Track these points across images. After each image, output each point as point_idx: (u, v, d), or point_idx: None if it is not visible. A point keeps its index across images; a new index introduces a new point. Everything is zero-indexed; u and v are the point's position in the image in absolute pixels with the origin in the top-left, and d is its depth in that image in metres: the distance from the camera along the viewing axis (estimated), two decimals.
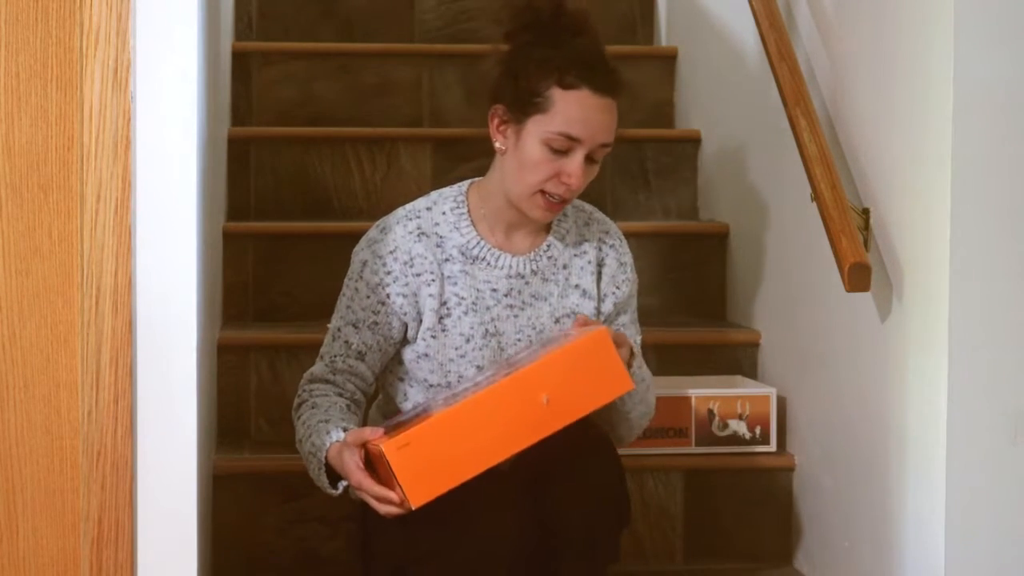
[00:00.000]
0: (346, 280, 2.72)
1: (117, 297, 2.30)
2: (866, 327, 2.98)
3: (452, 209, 2.72)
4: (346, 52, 4.21)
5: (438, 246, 2.69)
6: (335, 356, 2.69)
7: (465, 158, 3.88)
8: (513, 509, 2.50)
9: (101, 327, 2.30)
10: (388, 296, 2.67)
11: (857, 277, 2.85)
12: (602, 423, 2.69)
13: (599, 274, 2.77)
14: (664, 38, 4.47)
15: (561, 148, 2.60)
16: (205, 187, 2.61)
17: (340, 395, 2.67)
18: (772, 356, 3.51)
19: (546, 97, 2.59)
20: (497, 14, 2.71)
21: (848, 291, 2.87)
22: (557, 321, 2.72)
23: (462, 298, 2.68)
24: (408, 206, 2.74)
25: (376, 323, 2.68)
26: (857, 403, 3.04)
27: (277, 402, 3.37)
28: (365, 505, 2.61)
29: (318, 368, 2.71)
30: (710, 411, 3.29)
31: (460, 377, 2.68)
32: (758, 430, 3.31)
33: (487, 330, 2.69)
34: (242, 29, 4.36)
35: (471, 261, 2.70)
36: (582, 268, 2.75)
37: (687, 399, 3.27)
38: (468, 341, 2.68)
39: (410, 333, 2.70)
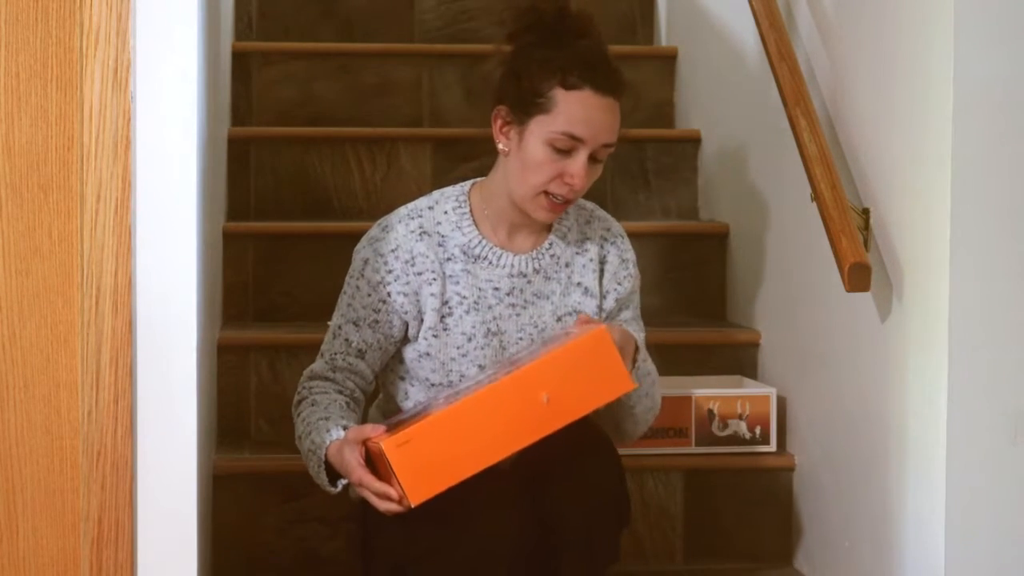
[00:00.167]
0: (347, 278, 2.72)
1: (117, 297, 2.30)
2: (866, 327, 2.98)
3: (454, 208, 2.72)
4: (346, 52, 4.21)
5: (440, 245, 2.69)
6: (335, 354, 2.70)
7: (465, 158, 3.88)
8: (513, 508, 2.50)
9: (101, 327, 2.30)
10: (389, 295, 2.67)
11: (857, 277, 2.85)
12: (608, 419, 2.69)
13: (601, 271, 2.77)
14: (664, 38, 4.47)
15: (564, 148, 2.60)
16: (205, 187, 2.61)
17: (340, 392, 2.67)
18: (772, 356, 3.51)
19: (549, 97, 2.59)
20: (499, 15, 2.71)
21: (848, 291, 2.87)
22: (559, 319, 2.72)
23: (464, 297, 2.68)
24: (410, 205, 2.74)
25: (377, 321, 2.68)
26: (857, 403, 3.04)
27: (277, 402, 3.37)
28: (365, 504, 2.61)
29: (318, 365, 2.71)
30: (710, 411, 3.29)
31: (462, 376, 2.68)
32: (758, 430, 3.31)
33: (489, 329, 2.69)
34: (242, 29, 4.36)
35: (473, 260, 2.70)
36: (584, 266, 2.76)
37: (687, 399, 3.27)
38: (470, 340, 2.68)
39: (411, 332, 2.70)
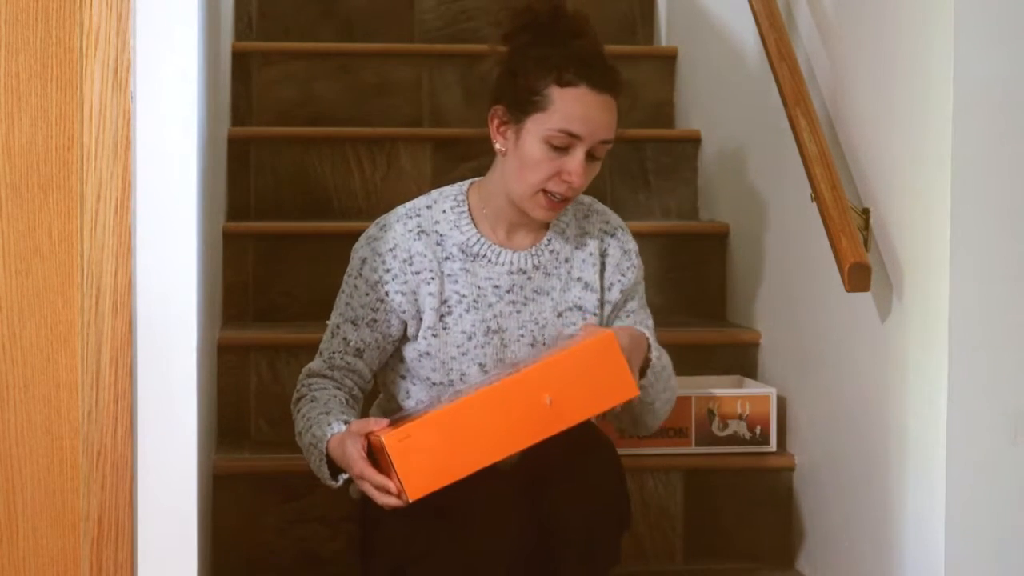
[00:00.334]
0: (345, 277, 2.73)
1: (117, 297, 2.30)
2: (866, 327, 2.98)
3: (452, 208, 2.72)
4: (346, 52, 4.21)
5: (438, 244, 2.69)
6: (333, 353, 2.70)
7: (465, 158, 3.88)
8: (513, 508, 2.50)
9: (101, 327, 2.30)
10: (387, 294, 2.67)
11: (857, 277, 2.85)
12: (627, 412, 2.68)
13: (602, 265, 2.77)
14: (664, 38, 4.47)
15: (561, 146, 2.60)
16: (205, 187, 2.61)
17: (339, 389, 2.68)
18: (772, 356, 3.51)
19: (545, 95, 2.59)
20: (496, 16, 2.71)
21: (848, 291, 2.87)
22: (560, 315, 2.72)
23: (463, 296, 2.68)
24: (408, 204, 2.74)
25: (375, 320, 2.68)
26: (857, 403, 3.04)
27: (277, 402, 3.36)
28: (365, 505, 2.61)
29: (316, 364, 2.71)
30: (710, 411, 3.29)
31: (462, 375, 2.68)
32: (758, 430, 3.31)
33: (489, 327, 2.69)
34: (242, 29, 4.36)
35: (472, 259, 2.70)
36: (583, 261, 2.76)
37: (687, 399, 3.27)
38: (470, 339, 2.68)
39: (410, 331, 2.70)
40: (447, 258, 2.69)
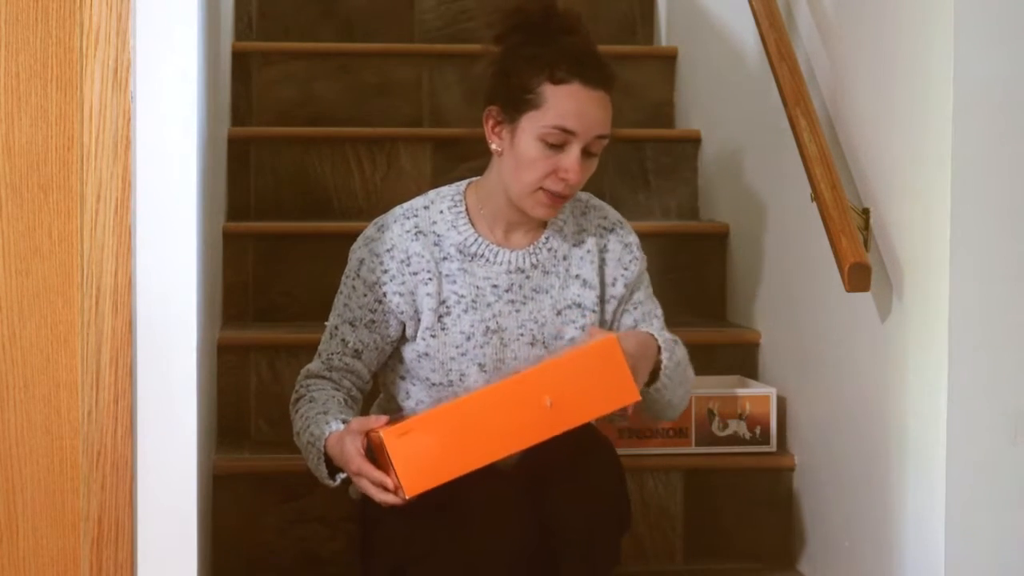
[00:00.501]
0: (343, 278, 2.73)
1: (117, 297, 2.30)
2: (866, 327, 2.98)
3: (450, 208, 2.72)
4: (346, 52, 4.21)
5: (436, 245, 2.69)
6: (332, 354, 2.70)
7: (465, 158, 3.88)
8: (514, 508, 2.50)
9: (101, 327, 2.30)
10: (385, 295, 2.67)
11: (857, 277, 2.85)
12: (647, 405, 2.68)
13: (603, 261, 2.77)
14: (664, 38, 4.47)
15: (556, 143, 2.60)
16: (205, 187, 2.61)
17: (337, 390, 2.68)
18: (772, 356, 3.51)
19: (538, 93, 2.60)
20: (489, 17, 2.72)
21: (848, 291, 2.87)
22: (559, 313, 2.72)
23: (461, 296, 2.68)
24: (405, 205, 2.74)
25: (373, 321, 2.68)
26: (857, 403, 3.04)
27: (277, 402, 3.36)
28: (365, 505, 2.61)
29: (315, 365, 2.71)
30: (710, 411, 3.29)
31: (462, 375, 2.68)
32: (758, 430, 3.31)
33: (488, 327, 2.69)
34: (242, 29, 4.36)
35: (469, 259, 2.70)
36: (582, 258, 2.76)
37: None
38: (469, 339, 2.68)
39: (409, 332, 2.70)
40: (445, 258, 2.69)
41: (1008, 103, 2.65)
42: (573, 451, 2.53)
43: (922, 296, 2.76)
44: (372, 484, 2.45)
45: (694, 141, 4.07)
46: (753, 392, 3.32)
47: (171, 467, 2.35)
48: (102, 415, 2.31)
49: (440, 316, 2.68)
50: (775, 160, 3.47)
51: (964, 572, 2.70)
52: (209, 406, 3.03)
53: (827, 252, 2.95)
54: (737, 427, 3.30)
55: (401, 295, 2.67)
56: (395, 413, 2.74)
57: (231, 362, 3.40)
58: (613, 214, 2.82)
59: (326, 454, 2.54)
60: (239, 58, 4.10)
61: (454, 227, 2.71)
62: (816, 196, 2.98)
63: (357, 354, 2.69)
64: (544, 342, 2.71)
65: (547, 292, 2.73)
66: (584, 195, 2.82)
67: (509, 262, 2.71)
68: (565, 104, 2.59)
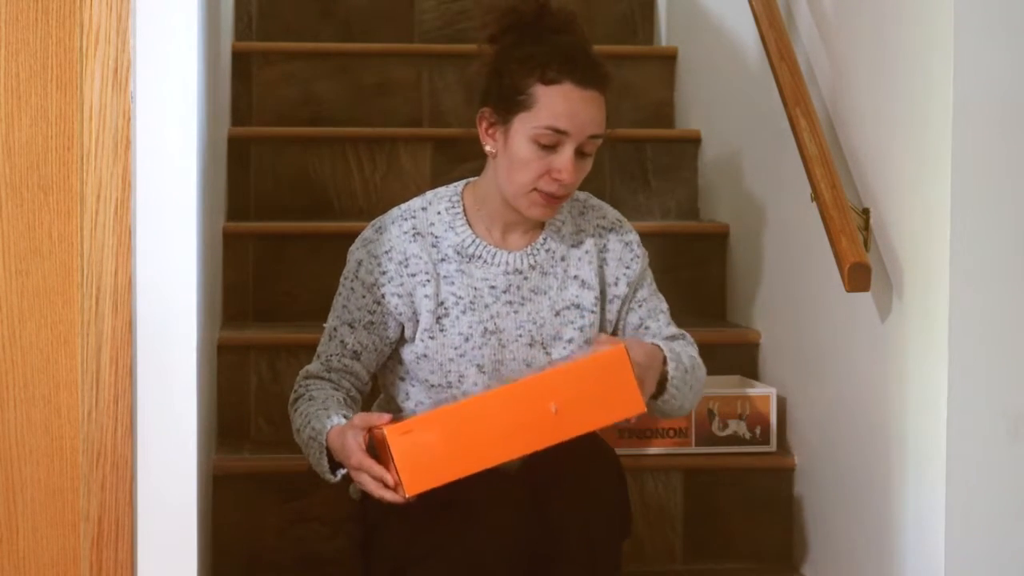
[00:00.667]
0: (342, 279, 2.72)
1: (117, 297, 2.30)
2: (866, 327, 2.98)
3: (447, 209, 2.72)
4: (346, 52, 4.21)
5: (433, 246, 2.69)
6: (331, 355, 2.70)
7: (465, 158, 3.88)
8: (515, 510, 2.50)
9: (101, 327, 2.30)
10: (383, 296, 2.67)
11: (857, 277, 2.85)
12: (656, 413, 2.68)
13: (603, 262, 2.77)
14: (664, 38, 4.47)
15: (549, 143, 2.59)
16: (205, 187, 2.61)
17: (336, 390, 2.68)
18: (772, 356, 3.51)
19: (529, 94, 2.59)
20: (483, 17, 2.71)
21: (848, 291, 2.87)
22: (557, 314, 2.72)
23: (459, 297, 2.68)
24: (403, 206, 2.74)
25: (372, 323, 2.68)
26: (857, 403, 3.04)
27: (277, 402, 3.36)
28: (366, 505, 2.61)
29: (314, 366, 2.71)
30: (710, 411, 3.29)
31: (460, 377, 2.68)
32: (758, 430, 3.31)
33: (486, 328, 2.68)
34: (242, 29, 4.36)
35: (467, 260, 2.70)
36: (580, 259, 2.75)
37: None
38: (467, 340, 2.68)
39: (407, 333, 2.70)
40: (442, 260, 2.69)
41: (1008, 103, 2.65)
42: (575, 458, 2.53)
43: (922, 296, 2.77)
44: (372, 480, 2.44)
45: (694, 141, 4.07)
46: (753, 392, 3.32)
47: (171, 467, 2.35)
48: (102, 415, 2.31)
49: (438, 317, 2.68)
50: (775, 160, 3.47)
51: (964, 571, 2.70)
52: (209, 406, 3.03)
53: (827, 252, 2.95)
54: (737, 427, 3.30)
55: (399, 296, 2.67)
56: (395, 414, 2.73)
57: (231, 362, 3.40)
58: (612, 213, 2.82)
59: (327, 448, 2.54)
60: (239, 58, 4.10)
61: (451, 228, 2.70)
62: (816, 196, 2.98)
63: (356, 355, 2.69)
64: (543, 343, 2.71)
65: (545, 293, 2.73)
66: (582, 195, 2.82)
67: (507, 263, 2.71)
68: (557, 104, 2.58)
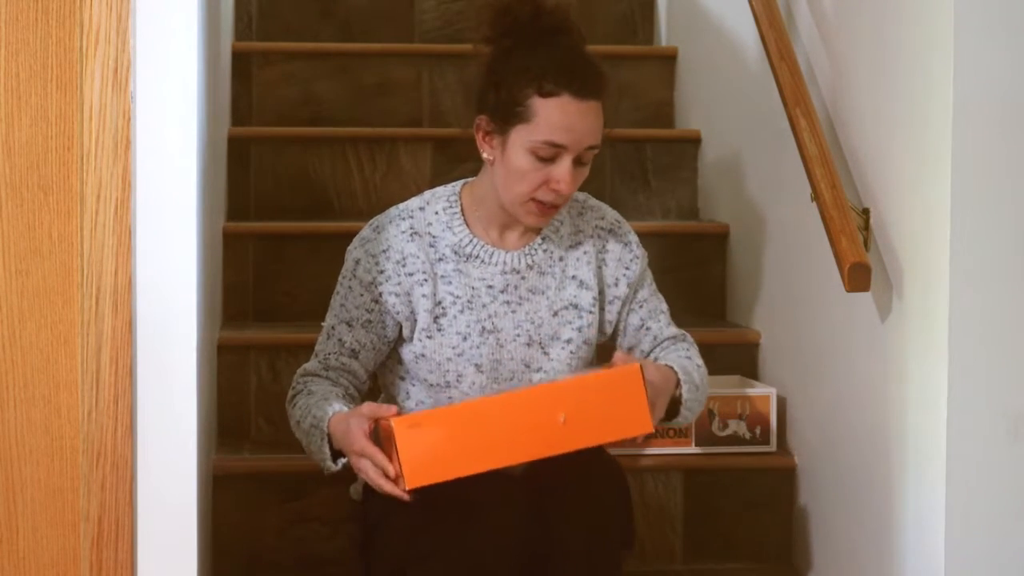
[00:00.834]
0: (340, 278, 2.72)
1: (117, 297, 2.30)
2: (866, 327, 2.98)
3: (445, 209, 2.72)
4: (346, 52, 4.21)
5: (431, 246, 2.69)
6: (329, 354, 2.70)
7: (464, 158, 3.88)
8: (516, 510, 2.49)
9: (101, 327, 2.30)
10: (381, 295, 2.67)
11: (857, 277, 2.85)
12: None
13: (602, 262, 2.76)
14: (664, 38, 4.47)
15: (547, 156, 2.58)
16: (205, 187, 2.61)
17: (334, 386, 2.67)
18: (772, 356, 3.51)
19: (527, 107, 2.57)
20: (478, 15, 2.69)
21: (848, 291, 2.87)
22: (555, 314, 2.72)
23: (457, 297, 2.68)
24: (401, 205, 2.74)
25: (370, 322, 2.68)
26: (857, 403, 3.04)
27: (277, 402, 3.36)
28: (366, 505, 2.61)
29: (311, 364, 2.71)
30: (710, 411, 3.29)
31: (459, 376, 2.68)
32: (758, 430, 3.31)
33: (484, 327, 2.68)
34: (242, 29, 4.36)
35: (465, 259, 2.70)
36: (578, 259, 2.75)
37: None
38: (465, 339, 2.68)
39: (405, 333, 2.70)
40: (440, 259, 2.69)
41: (1008, 103, 2.65)
42: (579, 466, 2.52)
43: (922, 296, 2.77)
44: (373, 467, 2.44)
45: (694, 141, 4.07)
46: (753, 392, 3.32)
47: (171, 467, 2.35)
48: (102, 415, 2.31)
49: (436, 317, 2.68)
50: (775, 160, 3.47)
51: (964, 571, 2.70)
52: (209, 406, 3.03)
53: (827, 252, 2.95)
54: (737, 427, 3.30)
55: (397, 296, 2.67)
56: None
57: (231, 362, 3.40)
58: (611, 214, 2.82)
59: (329, 436, 2.54)
60: (239, 58, 4.10)
61: (449, 228, 2.70)
62: (816, 196, 2.98)
63: (354, 354, 2.69)
64: (541, 343, 2.71)
65: (543, 293, 2.73)
66: (581, 195, 2.82)
67: (504, 263, 2.71)
68: (555, 118, 2.57)
